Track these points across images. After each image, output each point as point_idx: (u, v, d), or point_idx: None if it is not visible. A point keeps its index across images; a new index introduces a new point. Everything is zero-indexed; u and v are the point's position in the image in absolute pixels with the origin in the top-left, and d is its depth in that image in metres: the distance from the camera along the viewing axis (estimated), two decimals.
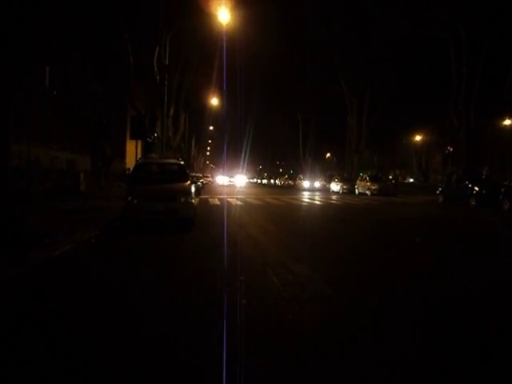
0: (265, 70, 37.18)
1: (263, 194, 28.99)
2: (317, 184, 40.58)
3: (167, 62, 24.58)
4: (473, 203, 18.63)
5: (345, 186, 33.76)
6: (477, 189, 18.84)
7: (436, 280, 5.47)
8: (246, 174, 70.32)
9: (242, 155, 54.69)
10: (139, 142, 23.08)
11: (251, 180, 78.02)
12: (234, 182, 59.65)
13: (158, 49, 23.76)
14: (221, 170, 77.13)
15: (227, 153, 66.38)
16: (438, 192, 22.66)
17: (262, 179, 75.26)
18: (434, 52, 26.73)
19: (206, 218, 12.16)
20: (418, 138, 47.50)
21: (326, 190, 37.03)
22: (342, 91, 36.56)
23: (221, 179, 66.34)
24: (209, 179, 59.70)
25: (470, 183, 19.56)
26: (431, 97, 29.94)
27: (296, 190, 41.47)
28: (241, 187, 47.11)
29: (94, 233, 8.51)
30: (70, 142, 24.31)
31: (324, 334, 3.48)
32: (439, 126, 37.77)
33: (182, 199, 9.84)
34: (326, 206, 19.56)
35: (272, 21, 29.40)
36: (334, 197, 27.91)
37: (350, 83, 35.56)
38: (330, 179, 38.85)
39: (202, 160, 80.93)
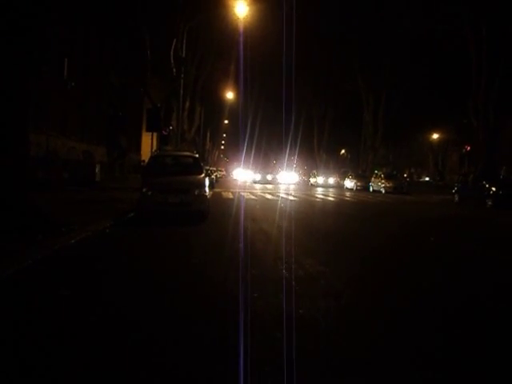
0: (281, 64, 36.90)
1: (276, 189, 28.94)
2: (331, 180, 40.33)
3: (184, 55, 24.65)
4: (489, 203, 18.32)
5: (359, 183, 33.50)
6: (494, 189, 18.51)
7: (451, 281, 5.42)
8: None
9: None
10: (155, 135, 23.21)
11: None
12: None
13: (175, 41, 23.80)
14: (235, 163, 69.30)
15: (243, 148, 49.90)
16: (453, 191, 22.31)
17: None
18: (454, 49, 26.26)
19: (218, 211, 12.21)
20: (434, 136, 46.77)
21: (339, 187, 36.79)
22: (358, 87, 36.18)
23: (241, 174, 50.81)
24: (223, 173, 55.88)
25: (486, 183, 19.23)
26: (449, 95, 29.50)
27: (309, 185, 41.30)
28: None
29: (109, 223, 8.62)
30: (86, 133, 24.62)
31: (334, 329, 3.48)
32: (457, 125, 37.20)
33: (196, 192, 9.91)
34: (340, 203, 19.46)
35: (289, 15, 29.18)
36: (347, 194, 27.76)
37: (366, 79, 35.18)
38: (344, 176, 38.58)
39: (217, 154, 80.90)
